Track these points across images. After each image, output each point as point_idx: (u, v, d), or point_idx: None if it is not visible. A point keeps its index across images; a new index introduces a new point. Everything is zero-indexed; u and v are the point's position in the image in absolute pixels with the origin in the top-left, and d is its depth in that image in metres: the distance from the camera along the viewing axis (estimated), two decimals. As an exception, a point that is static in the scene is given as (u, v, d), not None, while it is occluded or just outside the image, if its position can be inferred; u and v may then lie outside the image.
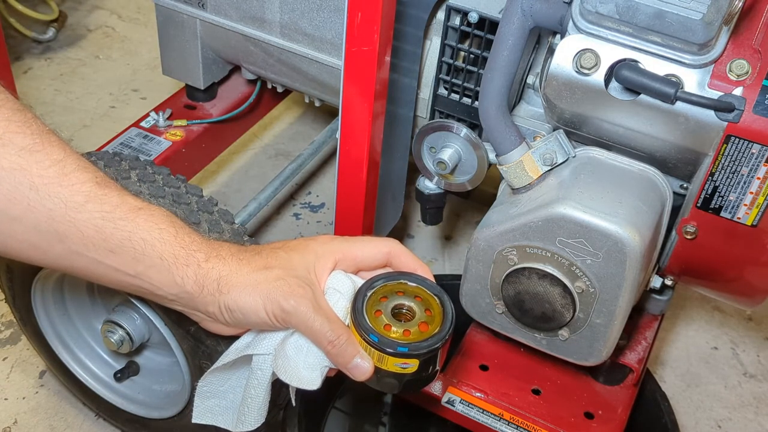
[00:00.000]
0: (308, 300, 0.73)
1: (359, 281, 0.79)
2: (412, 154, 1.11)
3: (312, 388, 0.75)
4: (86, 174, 0.71)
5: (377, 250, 0.78)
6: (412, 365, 0.73)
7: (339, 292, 0.76)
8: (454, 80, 1.10)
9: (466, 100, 1.11)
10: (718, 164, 0.87)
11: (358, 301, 0.76)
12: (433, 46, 1.12)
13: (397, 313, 0.77)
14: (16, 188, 0.68)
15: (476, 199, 1.69)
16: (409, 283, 0.79)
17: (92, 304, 1.17)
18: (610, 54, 0.87)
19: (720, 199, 0.89)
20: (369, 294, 0.77)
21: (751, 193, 0.87)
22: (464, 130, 1.03)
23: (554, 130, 0.97)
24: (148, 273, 0.72)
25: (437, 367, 0.77)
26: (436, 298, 0.78)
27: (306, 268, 0.75)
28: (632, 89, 0.87)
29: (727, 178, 0.87)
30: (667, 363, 1.52)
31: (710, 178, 0.88)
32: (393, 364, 0.73)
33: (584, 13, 0.87)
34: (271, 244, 0.79)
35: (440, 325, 0.75)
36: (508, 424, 1.08)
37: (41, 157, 0.69)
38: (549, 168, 0.94)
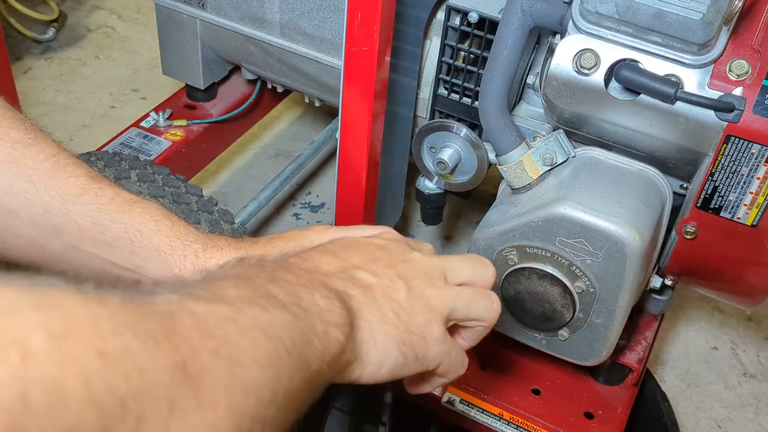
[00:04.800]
0: None
1: None
2: (412, 154, 1.11)
3: None
4: (80, 168, 0.72)
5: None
6: None
7: None
8: (454, 80, 1.10)
9: (466, 100, 1.11)
10: (718, 164, 0.87)
11: None
12: (433, 46, 1.12)
13: None
14: (13, 180, 0.68)
15: (476, 199, 1.69)
16: None
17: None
18: (610, 54, 0.87)
19: (720, 199, 0.89)
20: None
21: (751, 193, 0.87)
22: (464, 130, 1.03)
23: (554, 130, 0.97)
24: (146, 266, 0.72)
25: None
26: None
27: None
28: (632, 89, 0.87)
29: (727, 178, 0.87)
30: (667, 363, 1.52)
31: (710, 178, 0.88)
32: None
33: (584, 13, 0.87)
34: (266, 236, 0.79)
35: None
36: (508, 424, 1.08)
37: (36, 150, 0.70)
38: (549, 168, 0.94)
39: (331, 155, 1.84)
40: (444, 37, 1.07)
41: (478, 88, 1.05)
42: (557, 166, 0.94)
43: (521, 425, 1.08)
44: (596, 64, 0.88)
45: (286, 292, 0.55)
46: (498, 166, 0.98)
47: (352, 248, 0.66)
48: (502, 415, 1.09)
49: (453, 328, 0.67)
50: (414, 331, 0.62)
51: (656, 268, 1.02)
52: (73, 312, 0.38)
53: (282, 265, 0.60)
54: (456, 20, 1.05)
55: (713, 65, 0.85)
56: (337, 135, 1.05)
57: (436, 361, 0.65)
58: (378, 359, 0.60)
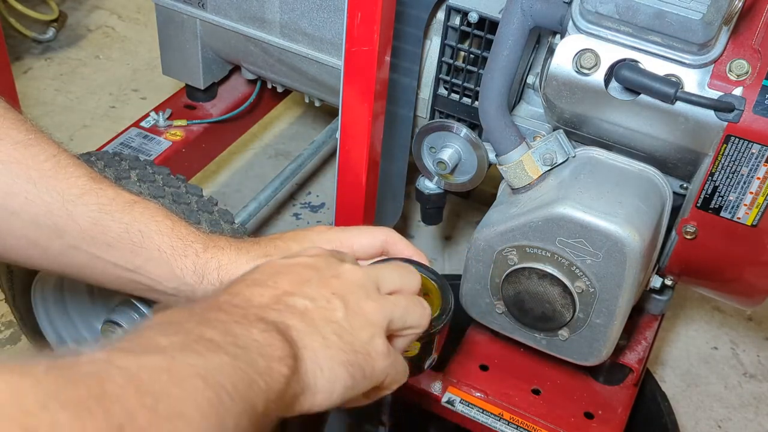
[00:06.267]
0: None
1: None
2: (412, 154, 1.11)
3: None
4: (81, 169, 0.72)
5: (373, 238, 0.79)
6: (413, 348, 0.74)
7: None
8: (454, 80, 1.10)
9: (466, 100, 1.11)
10: (718, 164, 0.87)
11: None
12: (433, 46, 1.12)
13: None
14: (14, 181, 0.68)
15: (476, 199, 1.69)
16: None
17: (92, 304, 1.17)
18: (610, 54, 0.87)
19: (720, 199, 0.89)
20: None
21: (751, 193, 0.87)
22: (464, 130, 1.03)
23: (554, 130, 0.97)
24: (147, 266, 0.72)
25: (435, 353, 0.78)
26: (434, 282, 0.78)
27: None
28: (632, 89, 0.87)
29: (727, 178, 0.87)
30: (667, 363, 1.52)
31: (710, 178, 0.88)
32: None
33: (584, 13, 0.87)
34: (267, 236, 0.79)
35: (440, 308, 0.76)
36: (508, 424, 1.08)
37: (37, 151, 0.70)
38: (549, 168, 0.94)
39: (331, 155, 1.84)
40: (444, 37, 1.07)
41: (478, 88, 1.05)
42: (557, 166, 0.94)
43: (521, 425, 1.08)
44: (596, 64, 0.88)
45: (221, 332, 0.52)
46: (498, 166, 0.98)
47: (281, 273, 0.64)
48: (502, 415, 1.09)
49: (387, 338, 0.66)
50: (359, 349, 0.61)
51: (656, 268, 1.02)
52: None
53: (212, 306, 0.58)
54: (456, 20, 1.05)
55: (713, 65, 0.85)
56: (337, 135, 1.05)
57: (384, 375, 0.64)
58: (327, 386, 0.59)
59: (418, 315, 0.68)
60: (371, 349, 0.62)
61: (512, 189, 0.96)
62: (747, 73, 0.84)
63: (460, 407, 1.09)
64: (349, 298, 0.63)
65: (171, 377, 0.45)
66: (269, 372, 0.52)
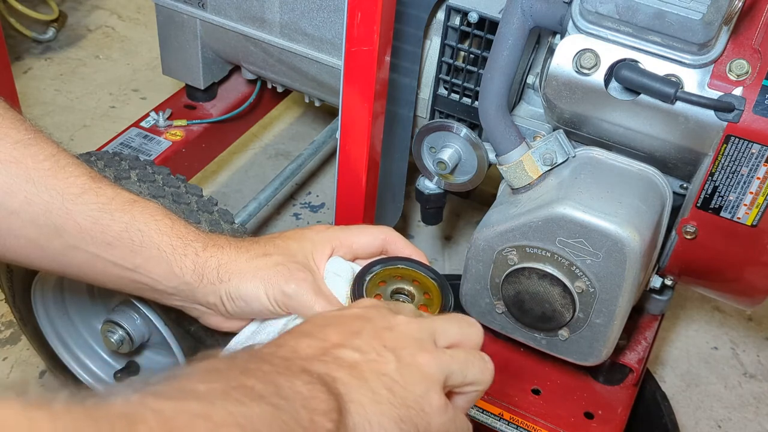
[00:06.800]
0: (309, 283, 0.73)
1: (357, 267, 0.79)
2: (412, 154, 1.11)
3: None
4: (80, 169, 0.72)
5: (373, 237, 0.79)
6: None
7: (338, 275, 0.76)
8: (454, 80, 1.10)
9: (466, 100, 1.11)
10: (718, 164, 0.87)
11: (357, 285, 0.76)
12: (433, 46, 1.12)
13: (397, 297, 0.77)
14: (13, 180, 0.68)
15: (476, 199, 1.69)
16: (407, 268, 0.79)
17: (92, 304, 1.17)
18: (610, 54, 0.87)
19: (720, 199, 0.89)
20: (368, 278, 0.77)
21: (751, 193, 0.87)
22: (464, 130, 1.03)
23: (554, 130, 0.97)
24: (147, 266, 0.72)
25: None
26: (433, 281, 0.78)
27: (304, 254, 0.76)
28: (632, 89, 0.87)
29: (727, 178, 0.87)
30: (667, 363, 1.52)
31: (710, 178, 0.88)
32: None
33: (584, 13, 0.87)
34: (267, 235, 0.79)
35: (439, 307, 0.76)
36: (508, 424, 1.08)
37: (36, 150, 0.70)
38: (549, 168, 0.94)
39: (331, 155, 1.84)
40: (444, 37, 1.07)
41: (478, 88, 1.05)
42: (557, 166, 0.94)
43: (521, 425, 1.08)
44: (596, 64, 0.88)
45: (263, 382, 0.50)
46: (498, 166, 0.98)
47: (330, 325, 0.62)
48: (502, 415, 1.09)
49: (446, 396, 0.62)
50: (411, 404, 0.58)
51: (656, 268, 1.02)
52: (8, 422, 0.35)
53: (255, 356, 0.56)
54: (456, 20, 1.05)
55: (713, 65, 0.85)
56: (337, 135, 1.05)
57: None
58: None
59: (478, 369, 0.64)
60: (425, 405, 0.58)
61: (512, 189, 0.96)
62: (747, 73, 0.84)
63: (460, 407, 1.09)
64: (402, 351, 0.60)
65: (207, 424, 0.43)
66: (312, 426, 0.50)
